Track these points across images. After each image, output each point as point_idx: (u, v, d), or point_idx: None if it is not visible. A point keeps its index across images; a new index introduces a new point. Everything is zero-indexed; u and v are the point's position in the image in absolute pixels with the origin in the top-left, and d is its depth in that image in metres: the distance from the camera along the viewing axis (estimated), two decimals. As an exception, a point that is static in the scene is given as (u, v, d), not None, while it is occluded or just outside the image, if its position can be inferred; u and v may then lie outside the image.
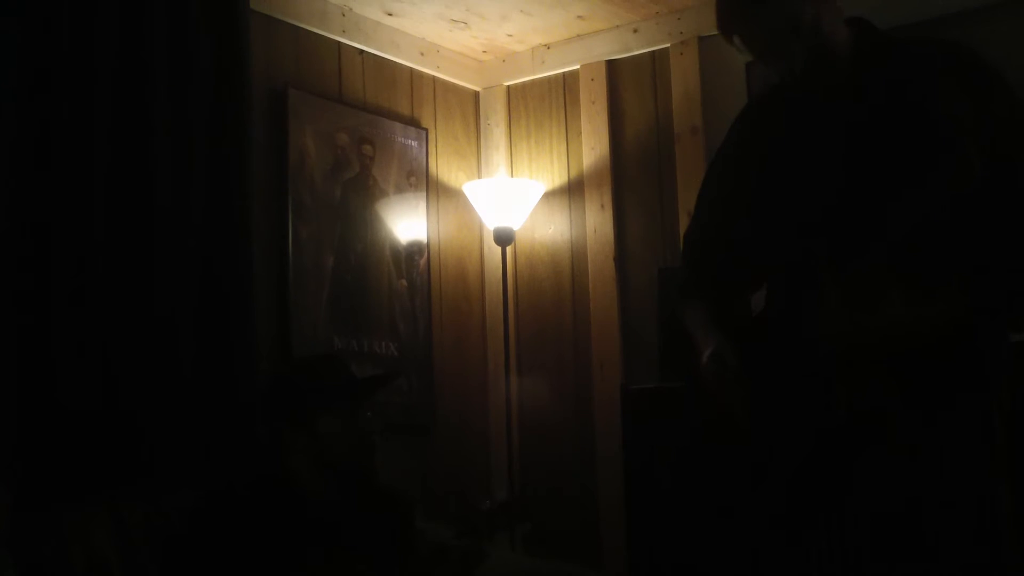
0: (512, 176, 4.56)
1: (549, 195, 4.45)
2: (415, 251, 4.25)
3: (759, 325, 2.15)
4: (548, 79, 4.55)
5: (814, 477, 1.95)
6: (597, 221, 4.34)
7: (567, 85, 4.50)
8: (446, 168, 4.49)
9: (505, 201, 4.21)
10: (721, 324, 2.12)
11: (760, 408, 2.02)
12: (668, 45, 4.24)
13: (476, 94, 4.68)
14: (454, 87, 4.58)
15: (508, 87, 4.64)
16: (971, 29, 3.48)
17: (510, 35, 4.42)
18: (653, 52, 4.30)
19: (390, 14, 4.16)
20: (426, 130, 4.38)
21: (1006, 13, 3.56)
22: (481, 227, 4.52)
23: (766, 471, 2.01)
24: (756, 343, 2.08)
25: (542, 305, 4.46)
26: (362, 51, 4.17)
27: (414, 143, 4.31)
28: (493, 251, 4.47)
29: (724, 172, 2.28)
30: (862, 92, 2.05)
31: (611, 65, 4.38)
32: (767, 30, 2.05)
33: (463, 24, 4.29)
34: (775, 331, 2.05)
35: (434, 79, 4.49)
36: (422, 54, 4.39)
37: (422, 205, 4.30)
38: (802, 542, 1.97)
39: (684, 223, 4.08)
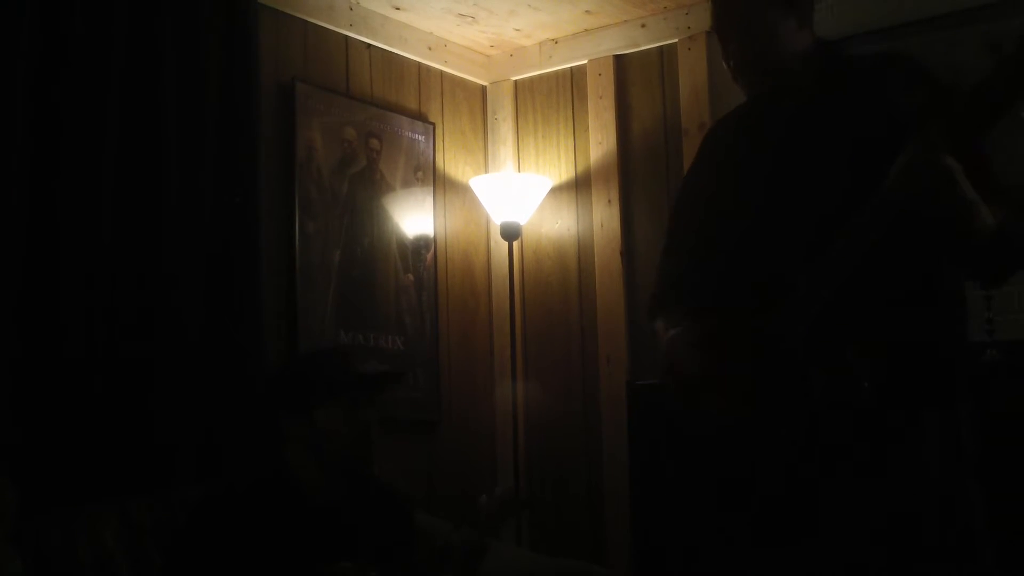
0: (519, 171, 4.56)
1: (556, 190, 4.44)
2: (422, 246, 4.25)
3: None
4: (555, 74, 4.54)
5: (794, 477, 1.97)
6: (604, 216, 4.33)
7: (574, 80, 4.50)
8: (453, 163, 4.49)
9: (512, 196, 4.20)
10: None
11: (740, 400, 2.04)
12: (676, 40, 4.23)
13: (483, 89, 4.68)
14: (461, 81, 4.58)
15: (515, 82, 4.64)
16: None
17: (518, 30, 4.41)
18: (661, 47, 4.29)
19: (398, 8, 4.16)
20: (433, 124, 4.38)
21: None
22: (488, 222, 4.52)
23: (754, 469, 2.02)
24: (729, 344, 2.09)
25: (549, 300, 4.46)
26: (369, 45, 4.17)
27: (421, 137, 4.31)
28: (500, 246, 4.46)
29: (694, 190, 2.30)
30: (818, 106, 2.07)
31: (619, 60, 4.37)
32: (743, 45, 2.12)
33: (471, 18, 4.28)
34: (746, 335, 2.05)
35: (441, 73, 4.48)
36: (429, 48, 4.39)
37: (429, 200, 4.30)
38: (796, 542, 1.98)
39: (691, 219, 4.08)
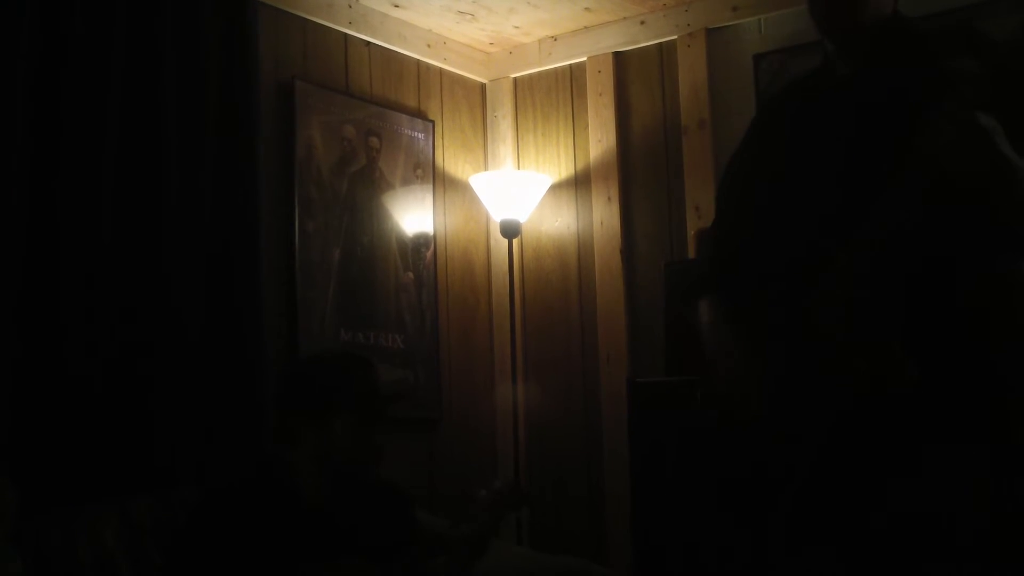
0: (519, 168, 4.55)
1: (556, 188, 4.44)
2: (421, 244, 4.24)
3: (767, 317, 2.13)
4: (555, 71, 4.54)
5: (827, 478, 1.94)
6: (604, 214, 4.33)
7: (574, 77, 4.49)
8: (453, 160, 4.49)
9: (511, 194, 4.20)
10: (735, 318, 2.11)
11: (773, 400, 2.01)
12: (675, 37, 4.22)
13: (483, 86, 4.67)
14: (461, 79, 4.57)
15: (515, 79, 4.63)
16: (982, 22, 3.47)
17: (517, 27, 4.41)
18: (660, 44, 4.28)
19: (397, 6, 4.16)
20: (433, 122, 4.37)
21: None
22: (487, 220, 4.52)
23: (776, 469, 2.00)
24: (766, 336, 2.07)
25: (548, 298, 4.46)
26: (369, 43, 4.17)
27: (420, 135, 4.30)
28: (499, 244, 4.46)
29: (742, 169, 2.28)
30: (874, 85, 2.05)
31: (618, 57, 4.37)
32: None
33: (470, 16, 4.28)
34: (783, 323, 2.04)
35: (441, 71, 4.48)
36: (429, 46, 4.38)
37: (428, 198, 4.30)
38: (812, 542, 1.96)
39: (691, 217, 4.08)
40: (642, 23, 4.30)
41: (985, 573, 1.85)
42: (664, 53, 4.28)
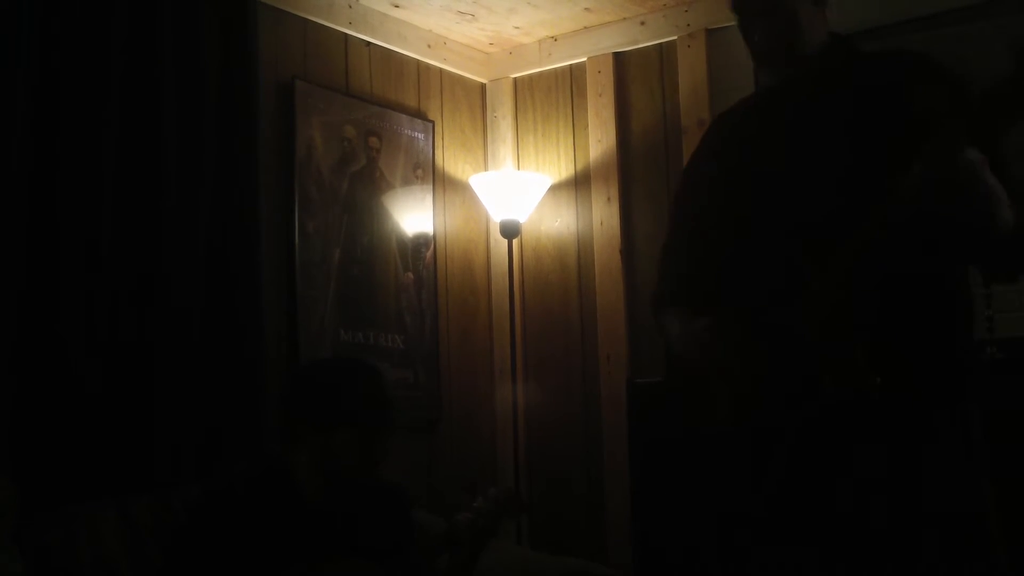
0: (518, 169, 4.55)
1: (555, 188, 4.44)
2: (421, 244, 4.24)
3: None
4: (555, 71, 4.54)
5: (800, 475, 1.96)
6: (604, 214, 4.33)
7: (574, 78, 4.49)
8: (452, 161, 4.49)
9: (511, 194, 4.20)
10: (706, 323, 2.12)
11: (746, 400, 2.03)
12: (675, 38, 4.22)
13: (483, 86, 4.68)
14: (461, 79, 4.57)
15: (515, 79, 4.63)
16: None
17: (517, 27, 4.41)
18: (660, 45, 4.29)
19: (397, 6, 4.16)
20: (433, 122, 4.37)
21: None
22: (487, 220, 4.52)
23: (759, 468, 2.02)
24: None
25: (548, 298, 4.46)
26: (369, 43, 4.17)
27: (420, 135, 4.30)
28: (499, 244, 4.46)
29: (698, 185, 2.29)
30: (832, 100, 2.07)
31: (618, 58, 4.37)
32: (771, 19, 2.10)
33: (470, 16, 4.28)
34: (757, 328, 2.05)
35: (441, 71, 4.48)
36: (429, 46, 4.38)
37: (428, 198, 4.30)
38: (799, 541, 1.98)
39: (691, 217, 4.08)
40: (642, 24, 4.30)
41: (952, 570, 1.89)
42: (664, 53, 4.28)
